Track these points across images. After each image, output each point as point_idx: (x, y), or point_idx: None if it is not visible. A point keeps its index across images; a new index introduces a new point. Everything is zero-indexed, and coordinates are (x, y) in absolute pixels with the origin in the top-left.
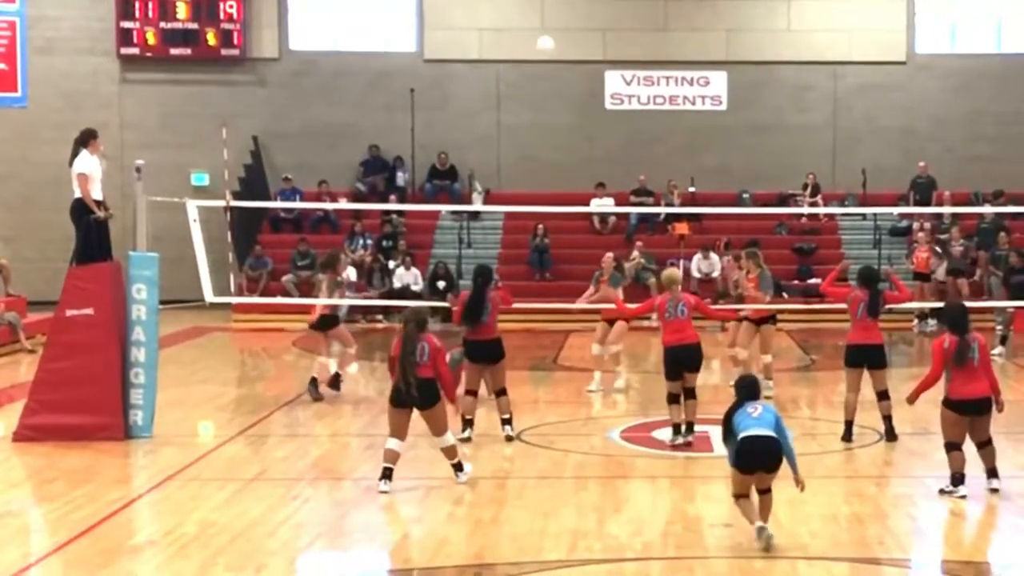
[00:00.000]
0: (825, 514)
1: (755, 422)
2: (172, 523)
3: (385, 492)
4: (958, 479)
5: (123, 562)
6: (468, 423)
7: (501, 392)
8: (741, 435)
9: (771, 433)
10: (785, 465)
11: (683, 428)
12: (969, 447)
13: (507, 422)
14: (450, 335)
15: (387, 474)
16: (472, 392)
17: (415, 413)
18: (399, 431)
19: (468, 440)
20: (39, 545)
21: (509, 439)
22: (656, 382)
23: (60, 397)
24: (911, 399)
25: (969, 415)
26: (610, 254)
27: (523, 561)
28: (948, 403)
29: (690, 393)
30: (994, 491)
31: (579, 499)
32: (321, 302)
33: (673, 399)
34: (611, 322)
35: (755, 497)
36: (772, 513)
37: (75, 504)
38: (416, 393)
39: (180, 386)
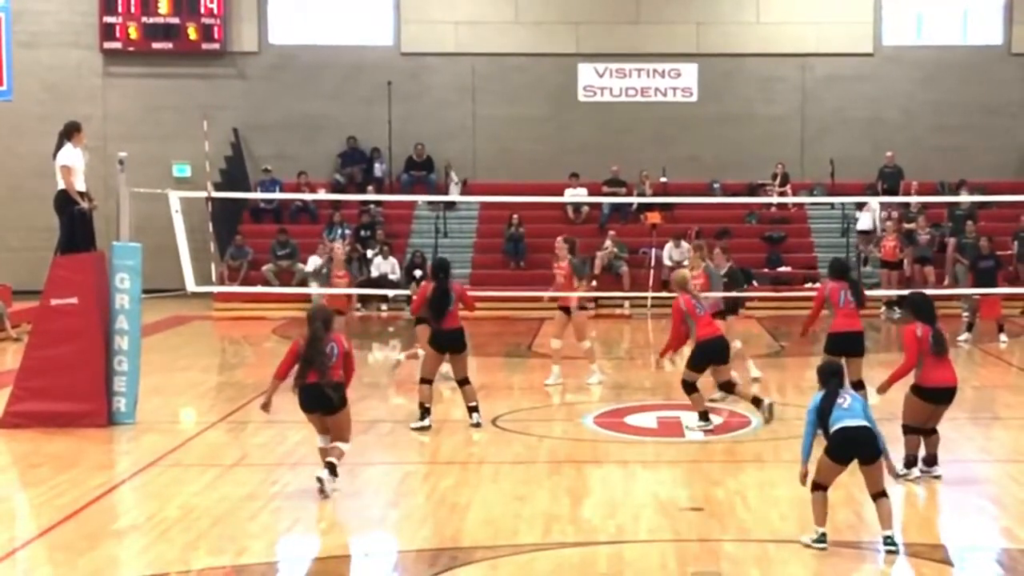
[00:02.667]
0: (795, 497)
1: (847, 413)
2: (155, 507)
3: (323, 485)
4: (912, 461)
5: (107, 546)
6: (426, 411)
7: (464, 381)
8: (835, 427)
9: (865, 423)
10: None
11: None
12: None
13: (474, 410)
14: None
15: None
16: (428, 381)
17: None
18: (323, 429)
19: (428, 428)
20: (24, 529)
21: (477, 426)
22: (628, 368)
23: (45, 384)
24: (883, 388)
25: (939, 403)
26: (560, 238)
27: (498, 544)
28: (919, 391)
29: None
30: (936, 477)
31: (553, 483)
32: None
33: (693, 388)
34: (567, 311)
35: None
36: (742, 496)
37: (60, 489)
38: (330, 398)
39: (162, 373)
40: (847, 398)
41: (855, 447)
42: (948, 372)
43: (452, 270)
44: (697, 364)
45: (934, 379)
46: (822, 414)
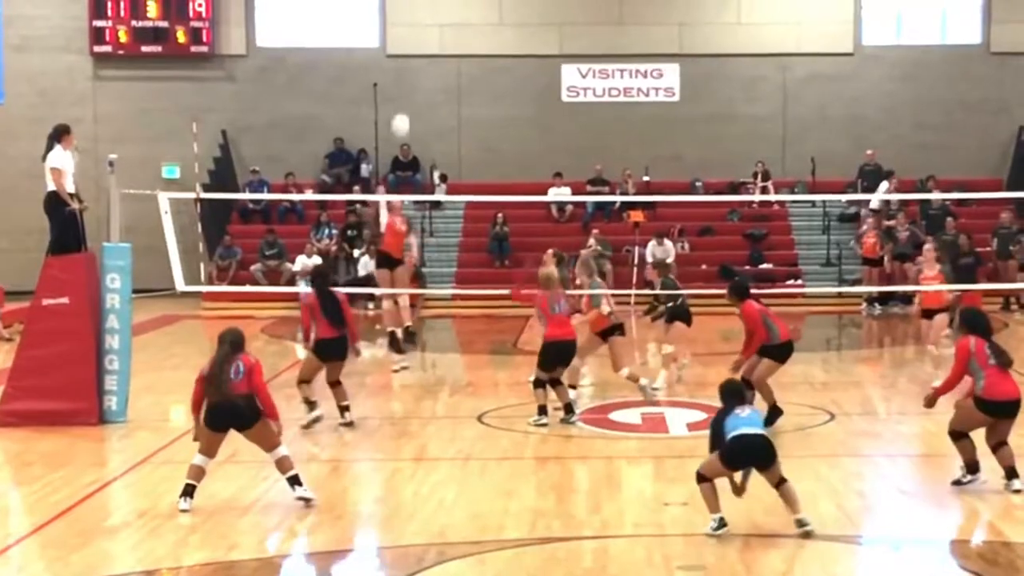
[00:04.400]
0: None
1: (744, 421)
2: (146, 504)
3: (185, 511)
4: (974, 467)
5: (99, 542)
6: (312, 404)
7: (336, 383)
8: (731, 434)
9: (762, 431)
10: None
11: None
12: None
13: (345, 409)
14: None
15: (189, 491)
16: (306, 381)
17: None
18: (211, 450)
19: (319, 419)
20: (18, 526)
21: (349, 425)
22: (610, 365)
23: (37, 383)
24: (930, 402)
25: (1003, 417)
26: (550, 251)
27: (485, 539)
28: (982, 403)
29: (557, 381)
30: (1016, 491)
31: (539, 479)
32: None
33: (541, 384)
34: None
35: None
36: (726, 491)
37: (52, 487)
38: (240, 411)
39: (153, 372)
40: (745, 409)
41: (751, 454)
42: (1011, 385)
43: (427, 269)
44: (543, 363)
45: (998, 392)
46: (717, 426)
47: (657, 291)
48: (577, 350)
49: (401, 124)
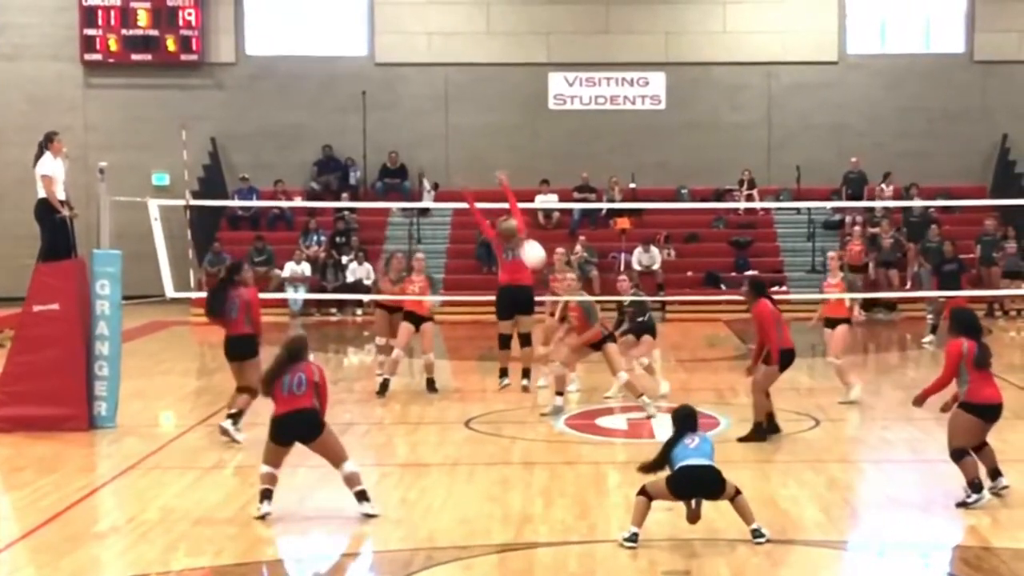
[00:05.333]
0: (763, 497)
1: (693, 452)
2: (135, 510)
3: (267, 514)
4: (978, 486)
5: (88, 547)
6: (236, 416)
7: (244, 389)
8: (680, 464)
9: (710, 462)
10: None
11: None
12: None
13: (236, 416)
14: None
15: (266, 495)
16: (241, 389)
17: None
18: (276, 461)
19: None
20: (8, 531)
21: (230, 436)
22: (598, 371)
23: (27, 389)
24: (919, 400)
25: (992, 420)
26: (561, 250)
27: (472, 544)
28: (971, 407)
29: (526, 339)
30: (1005, 487)
31: (526, 484)
32: (274, 296)
33: (505, 342)
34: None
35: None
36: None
37: (42, 492)
38: (304, 424)
39: (142, 378)
40: (695, 439)
41: (698, 486)
42: (994, 388)
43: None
44: (498, 310)
45: (985, 396)
46: (666, 451)
47: (626, 302)
48: (566, 358)
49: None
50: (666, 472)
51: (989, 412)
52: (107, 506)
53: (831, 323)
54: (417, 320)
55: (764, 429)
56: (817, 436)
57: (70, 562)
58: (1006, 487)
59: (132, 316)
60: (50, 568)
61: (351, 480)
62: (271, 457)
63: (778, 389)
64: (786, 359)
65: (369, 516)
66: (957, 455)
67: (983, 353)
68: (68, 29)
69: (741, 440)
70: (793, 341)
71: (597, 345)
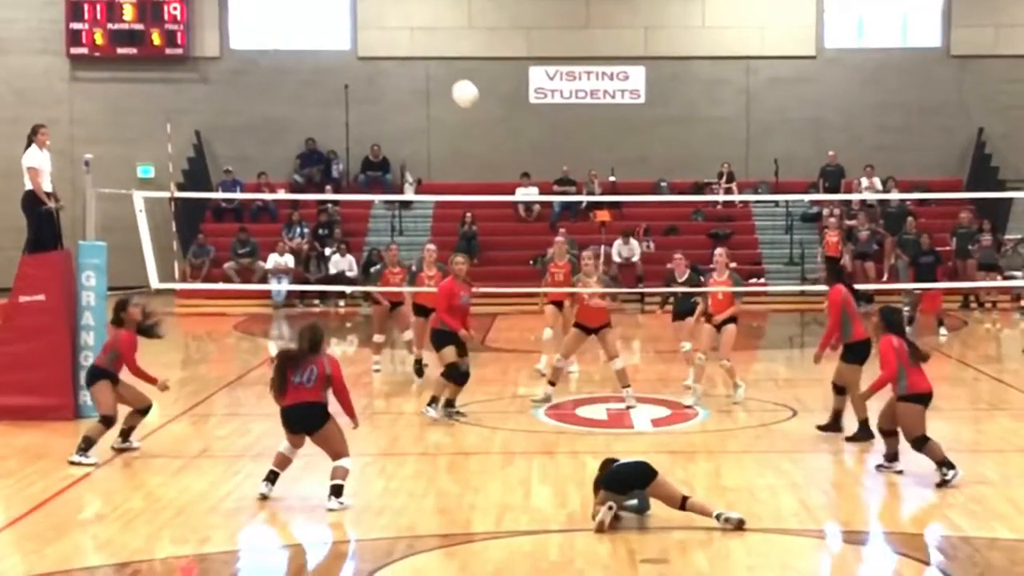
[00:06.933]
0: (741, 487)
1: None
2: (120, 498)
3: (265, 496)
4: (948, 463)
5: (73, 535)
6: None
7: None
8: (615, 465)
9: (643, 459)
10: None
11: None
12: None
13: (127, 433)
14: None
15: (271, 477)
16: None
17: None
18: (296, 442)
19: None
20: None
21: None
22: (577, 361)
23: (13, 379)
24: (866, 397)
25: (927, 406)
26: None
27: (453, 533)
28: (914, 398)
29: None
30: (899, 472)
31: (506, 474)
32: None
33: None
34: (559, 304)
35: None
36: (689, 485)
37: (28, 480)
38: (307, 416)
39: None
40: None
41: (631, 480)
42: (926, 379)
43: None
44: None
45: (921, 385)
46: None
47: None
48: (563, 347)
49: (466, 92)
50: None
51: (927, 399)
52: (92, 495)
53: (719, 321)
54: (426, 312)
55: (867, 429)
56: (794, 426)
57: (55, 550)
58: (900, 472)
59: None
60: (35, 556)
61: (337, 473)
62: (291, 439)
63: (756, 381)
64: (860, 351)
65: (331, 511)
66: (918, 443)
67: (914, 348)
68: (54, 23)
69: (849, 440)
70: (867, 332)
71: (595, 329)
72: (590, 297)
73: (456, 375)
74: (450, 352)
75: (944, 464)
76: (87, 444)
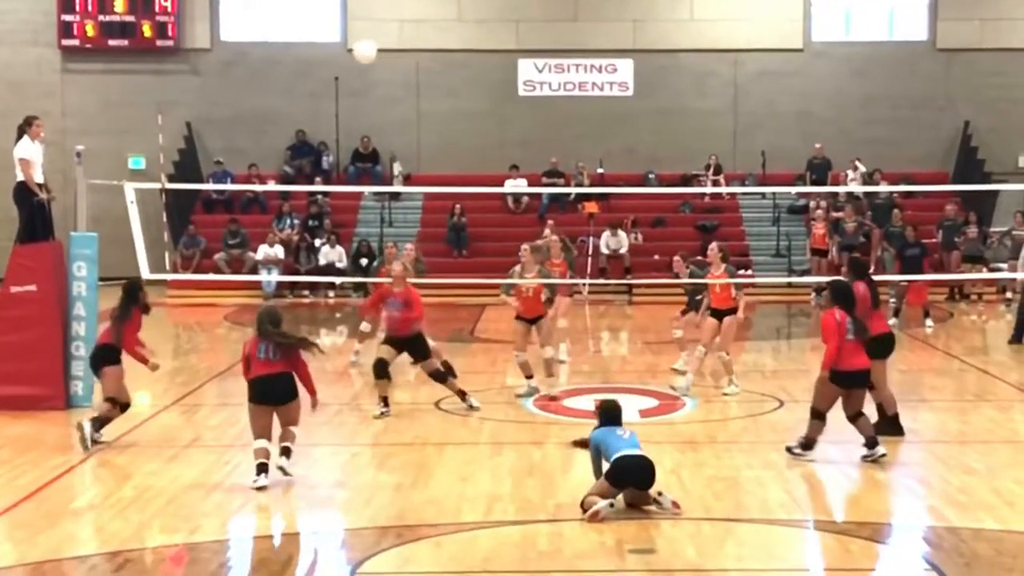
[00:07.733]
0: (728, 477)
1: (626, 444)
2: (111, 487)
3: (262, 488)
4: (811, 444)
5: (65, 524)
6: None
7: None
8: (615, 455)
9: (643, 453)
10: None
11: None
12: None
13: (100, 423)
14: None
15: (262, 469)
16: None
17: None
18: (264, 431)
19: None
20: None
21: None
22: (573, 352)
23: (5, 369)
24: (821, 379)
25: (853, 387)
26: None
27: (442, 523)
28: (834, 375)
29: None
30: (882, 456)
31: (495, 464)
32: (247, 278)
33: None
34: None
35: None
36: (677, 476)
37: (20, 470)
38: (275, 388)
39: None
40: (626, 431)
41: (634, 473)
42: (862, 356)
43: None
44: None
45: (849, 363)
46: (593, 441)
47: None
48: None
49: (366, 50)
50: (603, 474)
51: (853, 379)
52: (83, 484)
53: (718, 314)
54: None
55: (898, 425)
56: (781, 417)
57: (47, 538)
58: (884, 455)
59: (109, 297)
60: (27, 544)
61: (287, 436)
62: (258, 426)
63: (743, 372)
64: (880, 346)
65: (282, 470)
66: (814, 413)
67: (859, 325)
68: (46, 15)
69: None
70: (889, 326)
71: (534, 320)
72: (527, 289)
73: (376, 370)
74: (382, 349)
75: (807, 444)
76: (99, 424)
